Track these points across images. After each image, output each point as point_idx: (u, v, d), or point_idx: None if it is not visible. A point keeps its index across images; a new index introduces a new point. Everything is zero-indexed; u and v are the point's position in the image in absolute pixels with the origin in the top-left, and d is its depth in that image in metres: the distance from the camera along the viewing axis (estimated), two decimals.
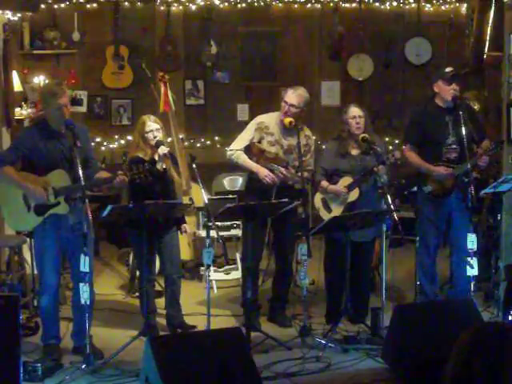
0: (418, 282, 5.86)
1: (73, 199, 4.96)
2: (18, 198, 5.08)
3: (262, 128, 5.83)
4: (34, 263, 6.02)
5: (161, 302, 6.01)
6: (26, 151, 5.06)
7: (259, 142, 5.82)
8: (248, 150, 5.83)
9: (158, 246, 5.64)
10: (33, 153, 5.05)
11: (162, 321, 5.87)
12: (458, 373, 2.39)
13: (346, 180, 5.72)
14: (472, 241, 5.33)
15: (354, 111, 5.74)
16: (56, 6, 8.70)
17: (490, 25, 8.21)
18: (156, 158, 5.55)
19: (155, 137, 5.55)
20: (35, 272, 6.09)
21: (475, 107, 7.88)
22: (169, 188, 5.65)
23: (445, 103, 5.83)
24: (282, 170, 5.67)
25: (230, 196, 7.22)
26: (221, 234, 5.79)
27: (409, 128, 6.15)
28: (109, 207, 4.94)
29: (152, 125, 5.57)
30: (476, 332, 2.42)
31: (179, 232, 5.78)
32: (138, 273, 6.31)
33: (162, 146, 5.53)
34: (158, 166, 5.53)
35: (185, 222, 5.85)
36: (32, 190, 5.00)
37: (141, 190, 5.43)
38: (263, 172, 5.68)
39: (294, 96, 5.73)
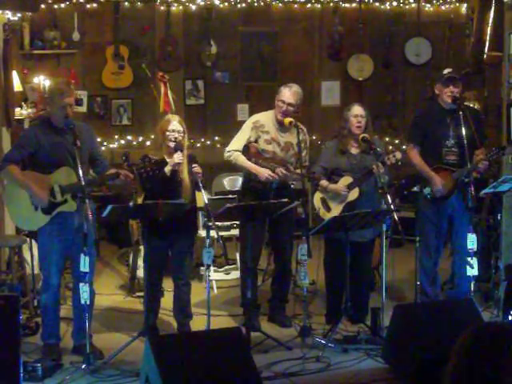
0: (418, 282, 5.85)
1: (80, 196, 4.96)
2: (25, 196, 5.06)
3: (257, 127, 5.82)
4: (35, 263, 6.02)
5: (165, 302, 6.00)
6: (30, 150, 5.06)
7: (256, 141, 5.81)
8: (245, 150, 5.82)
9: (171, 250, 5.58)
10: (38, 151, 5.06)
11: (166, 320, 5.88)
12: (458, 373, 2.39)
13: (347, 179, 5.71)
14: (472, 241, 5.33)
15: (357, 110, 5.74)
16: (56, 6, 8.69)
17: (490, 25, 8.20)
18: (166, 158, 5.43)
19: (175, 138, 5.43)
20: (35, 272, 6.09)
21: (475, 107, 7.88)
22: (174, 191, 5.45)
23: (447, 104, 5.84)
24: (282, 169, 5.66)
25: (230, 196, 7.20)
26: (221, 234, 5.76)
27: (412, 127, 6.14)
28: (109, 207, 4.93)
29: (176, 125, 5.44)
30: (476, 332, 2.42)
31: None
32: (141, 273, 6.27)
33: (179, 152, 5.36)
34: (166, 170, 5.38)
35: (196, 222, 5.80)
36: (34, 193, 5.00)
37: (149, 192, 5.43)
38: (263, 173, 5.67)
39: (290, 94, 5.73)
